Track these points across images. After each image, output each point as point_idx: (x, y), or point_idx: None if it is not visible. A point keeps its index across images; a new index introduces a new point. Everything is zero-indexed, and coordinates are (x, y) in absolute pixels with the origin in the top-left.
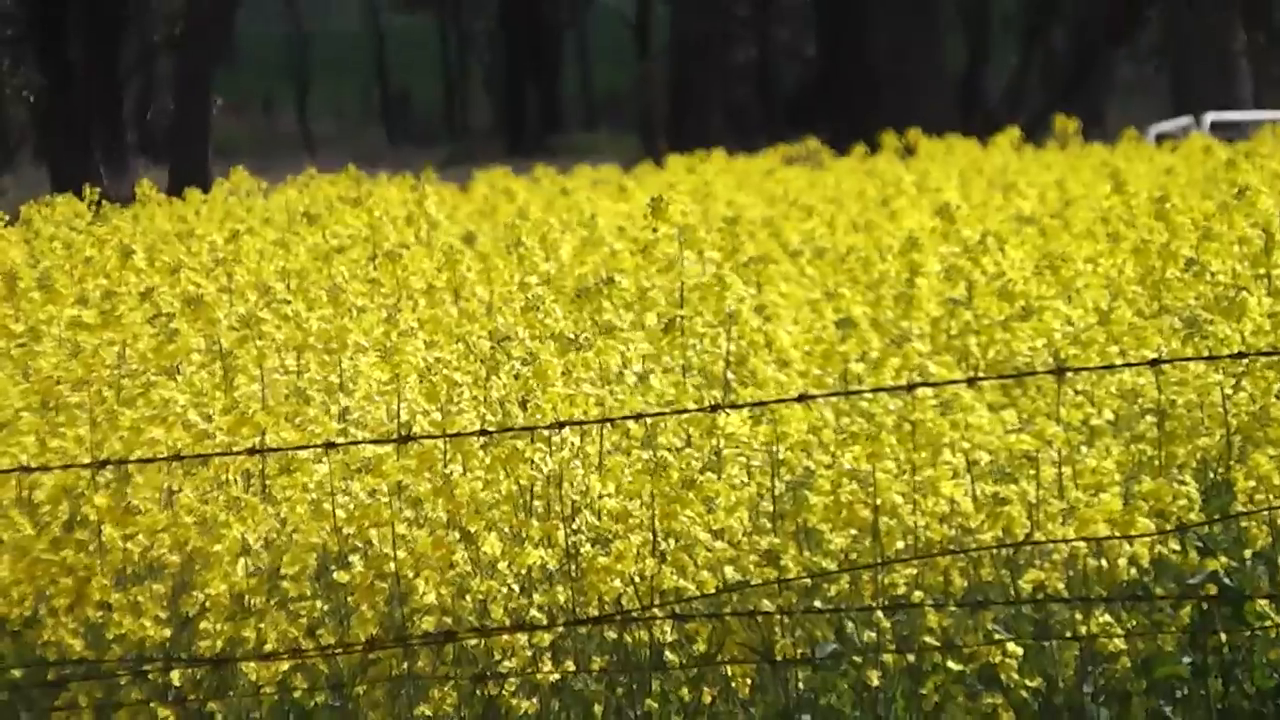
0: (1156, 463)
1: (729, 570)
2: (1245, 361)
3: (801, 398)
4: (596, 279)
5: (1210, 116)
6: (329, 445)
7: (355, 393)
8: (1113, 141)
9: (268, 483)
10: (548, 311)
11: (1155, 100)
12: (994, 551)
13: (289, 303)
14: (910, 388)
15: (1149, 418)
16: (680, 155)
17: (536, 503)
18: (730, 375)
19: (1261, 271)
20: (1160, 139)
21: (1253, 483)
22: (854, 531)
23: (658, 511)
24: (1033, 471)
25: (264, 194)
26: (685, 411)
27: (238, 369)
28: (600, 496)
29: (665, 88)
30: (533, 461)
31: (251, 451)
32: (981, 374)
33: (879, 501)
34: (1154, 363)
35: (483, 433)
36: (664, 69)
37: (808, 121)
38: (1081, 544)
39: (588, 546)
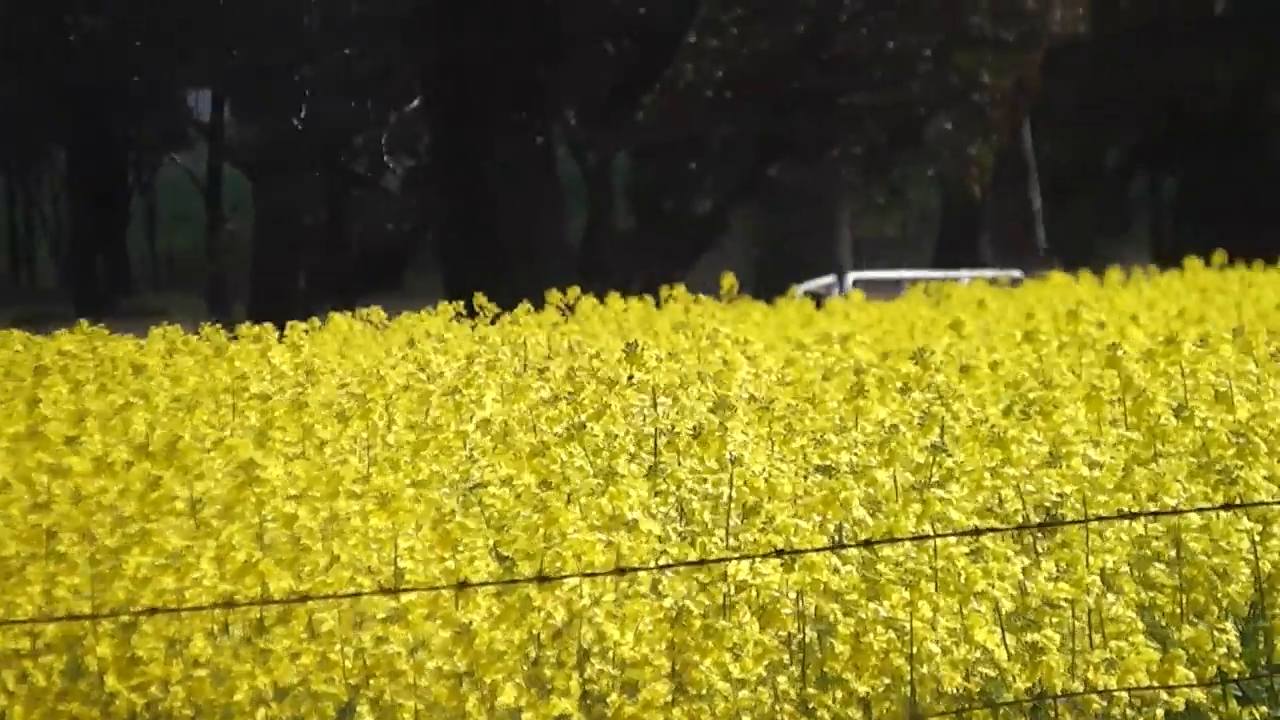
0: (1177, 610)
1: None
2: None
3: (834, 546)
4: (570, 426)
5: (852, 275)
6: (348, 595)
7: (349, 540)
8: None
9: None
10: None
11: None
12: (1025, 703)
13: None
14: (927, 538)
15: (1160, 565)
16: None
17: (549, 652)
18: (735, 521)
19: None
20: (808, 296)
21: None
22: (887, 680)
23: (678, 660)
24: (1056, 619)
25: None
26: (708, 562)
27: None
28: (617, 645)
29: (238, 251)
30: (545, 611)
31: (264, 602)
32: (1003, 523)
33: (914, 650)
34: (1175, 511)
35: (542, 579)
36: (235, 231)
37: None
38: (1122, 694)
39: (615, 695)
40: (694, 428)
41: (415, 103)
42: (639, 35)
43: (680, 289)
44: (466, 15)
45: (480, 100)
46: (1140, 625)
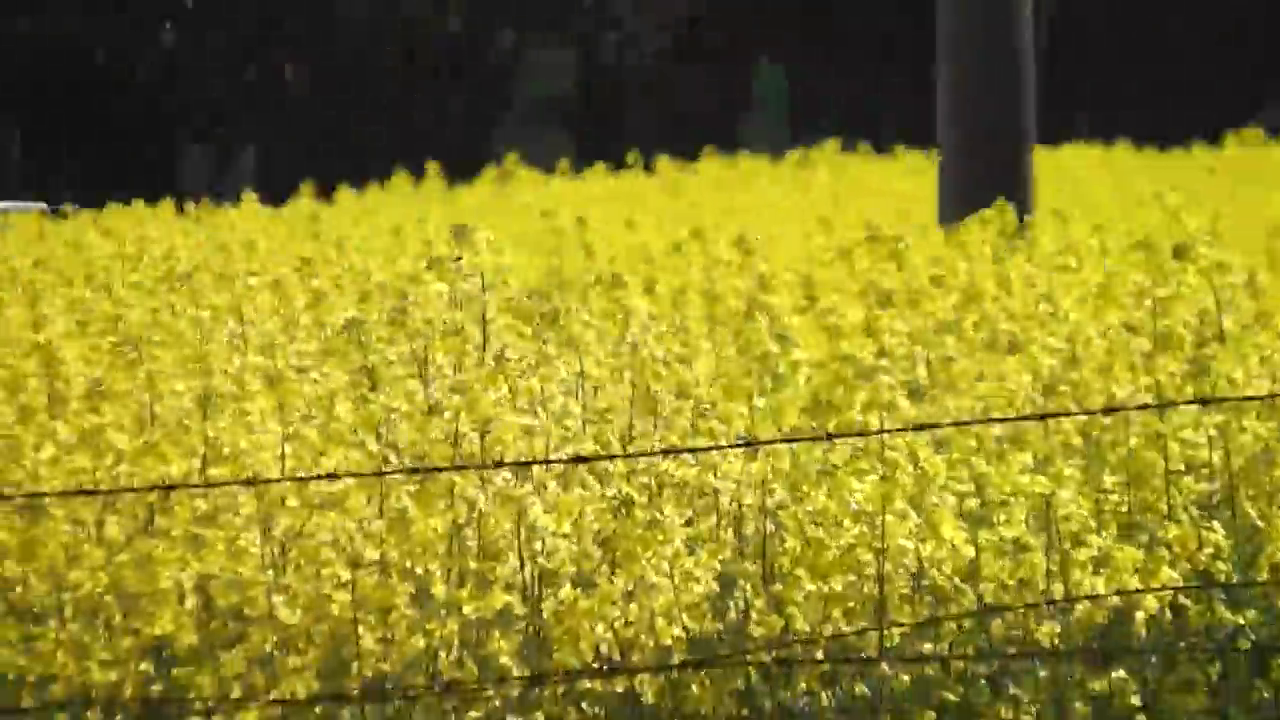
0: (1126, 509)
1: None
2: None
3: (782, 440)
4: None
5: None
6: (255, 481)
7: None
8: None
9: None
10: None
11: None
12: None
13: None
14: (878, 433)
15: (1108, 467)
16: None
17: (472, 543)
18: (633, 410)
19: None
20: None
21: None
22: (853, 577)
23: (620, 554)
24: (1004, 518)
25: None
26: (668, 452)
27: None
28: (552, 535)
29: None
30: (462, 500)
31: (167, 488)
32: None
33: (885, 545)
34: (1113, 410)
35: (481, 466)
36: None
37: None
38: (1113, 598)
39: (567, 588)
40: (546, 312)
41: None
42: None
43: None
44: None
45: None
46: (1093, 525)
